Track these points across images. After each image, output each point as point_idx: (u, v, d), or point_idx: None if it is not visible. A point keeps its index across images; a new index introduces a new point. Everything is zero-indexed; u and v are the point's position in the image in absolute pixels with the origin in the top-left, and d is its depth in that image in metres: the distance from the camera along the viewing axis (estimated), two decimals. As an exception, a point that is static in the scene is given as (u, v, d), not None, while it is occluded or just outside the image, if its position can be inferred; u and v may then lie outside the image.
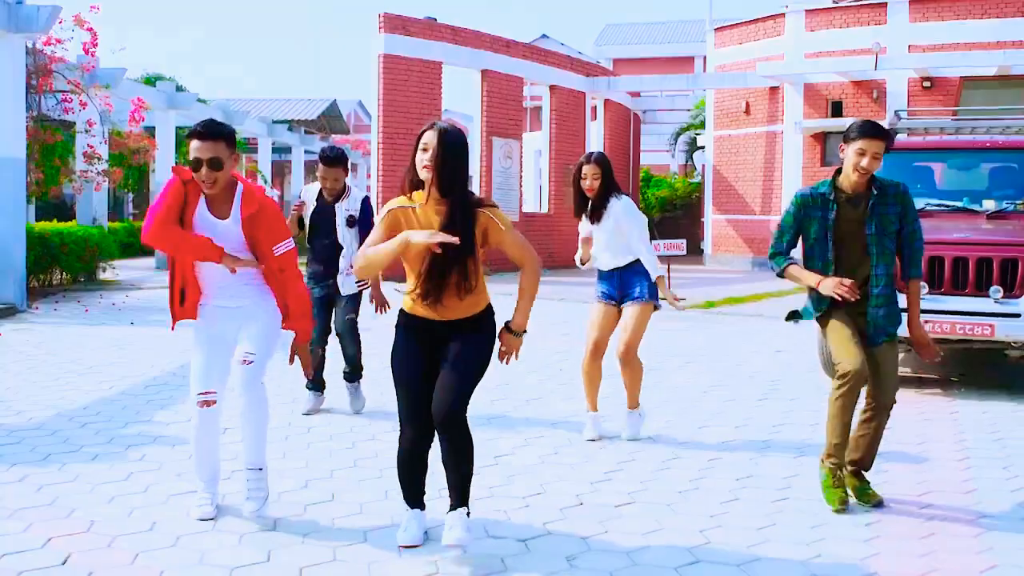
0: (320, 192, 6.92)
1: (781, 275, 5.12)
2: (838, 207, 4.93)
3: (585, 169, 6.17)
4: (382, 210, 4.20)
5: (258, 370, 4.58)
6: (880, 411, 4.96)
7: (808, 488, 5.27)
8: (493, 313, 4.30)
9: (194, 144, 4.39)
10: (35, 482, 5.18)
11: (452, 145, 4.04)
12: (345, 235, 6.86)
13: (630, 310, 6.22)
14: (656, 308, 6.31)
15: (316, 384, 7.08)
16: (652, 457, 5.92)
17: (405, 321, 4.28)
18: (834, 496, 4.91)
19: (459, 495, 4.16)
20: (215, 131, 4.42)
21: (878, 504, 4.95)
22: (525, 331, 4.24)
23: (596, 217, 6.21)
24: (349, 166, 7.11)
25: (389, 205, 4.18)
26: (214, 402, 4.55)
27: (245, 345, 4.59)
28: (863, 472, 5.09)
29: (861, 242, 4.92)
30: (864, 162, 4.80)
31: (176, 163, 23.98)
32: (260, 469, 4.73)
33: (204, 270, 4.59)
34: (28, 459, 5.65)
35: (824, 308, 5.03)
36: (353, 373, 7.12)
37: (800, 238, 5.09)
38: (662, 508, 4.92)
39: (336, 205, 6.86)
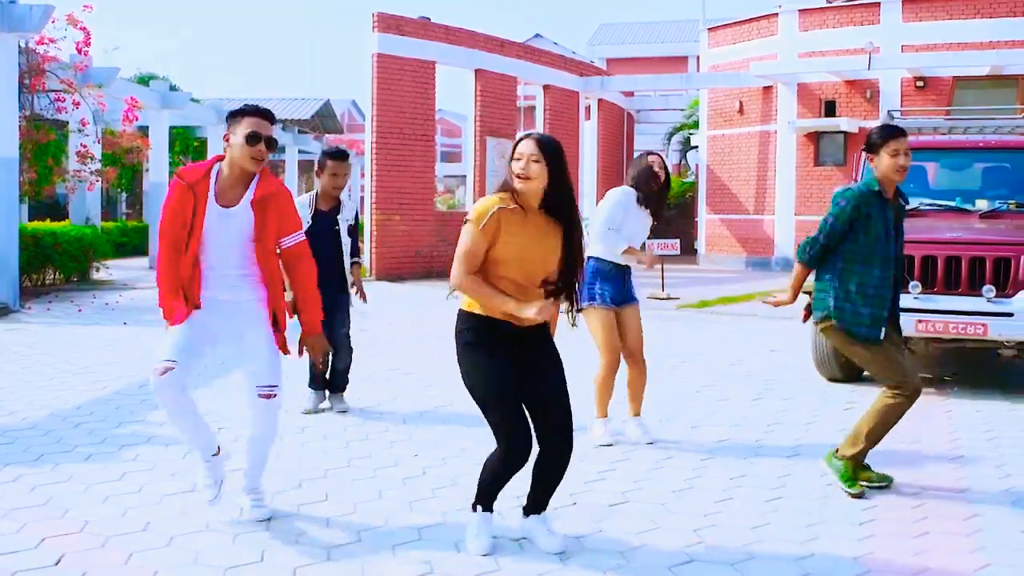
0: (316, 203, 6.84)
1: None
2: (869, 208, 5.06)
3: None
4: (478, 208, 4.04)
5: (279, 404, 4.54)
6: (912, 396, 5.13)
7: (802, 487, 5.28)
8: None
9: (254, 120, 4.42)
10: (29, 482, 5.17)
11: (554, 154, 4.03)
12: (346, 245, 6.92)
13: (633, 311, 6.32)
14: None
15: (319, 383, 7.04)
16: (646, 456, 5.92)
17: (486, 330, 4.10)
18: (858, 485, 5.16)
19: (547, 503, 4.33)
20: (270, 113, 4.53)
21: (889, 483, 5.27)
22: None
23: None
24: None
25: (487, 204, 4.03)
26: (172, 367, 4.28)
27: (260, 375, 4.47)
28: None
29: (884, 244, 5.10)
30: (902, 160, 4.98)
31: (170, 162, 23.99)
32: (259, 493, 4.71)
33: (211, 250, 4.42)
34: (21, 459, 5.64)
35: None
36: (341, 384, 7.09)
37: (842, 236, 5.11)
38: (656, 507, 4.93)
39: (339, 216, 6.86)
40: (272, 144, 4.45)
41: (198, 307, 4.43)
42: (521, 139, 4.06)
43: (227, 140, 4.47)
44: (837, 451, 5.26)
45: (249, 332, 4.49)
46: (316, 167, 6.91)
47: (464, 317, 4.14)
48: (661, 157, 6.35)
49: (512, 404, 4.05)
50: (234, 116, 4.49)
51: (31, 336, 10.74)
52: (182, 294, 4.46)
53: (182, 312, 4.43)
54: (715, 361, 9.71)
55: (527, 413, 4.10)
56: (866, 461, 5.28)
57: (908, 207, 8.55)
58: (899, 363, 5.10)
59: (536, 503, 4.29)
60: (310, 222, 6.66)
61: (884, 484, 5.25)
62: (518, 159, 4.01)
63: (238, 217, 4.42)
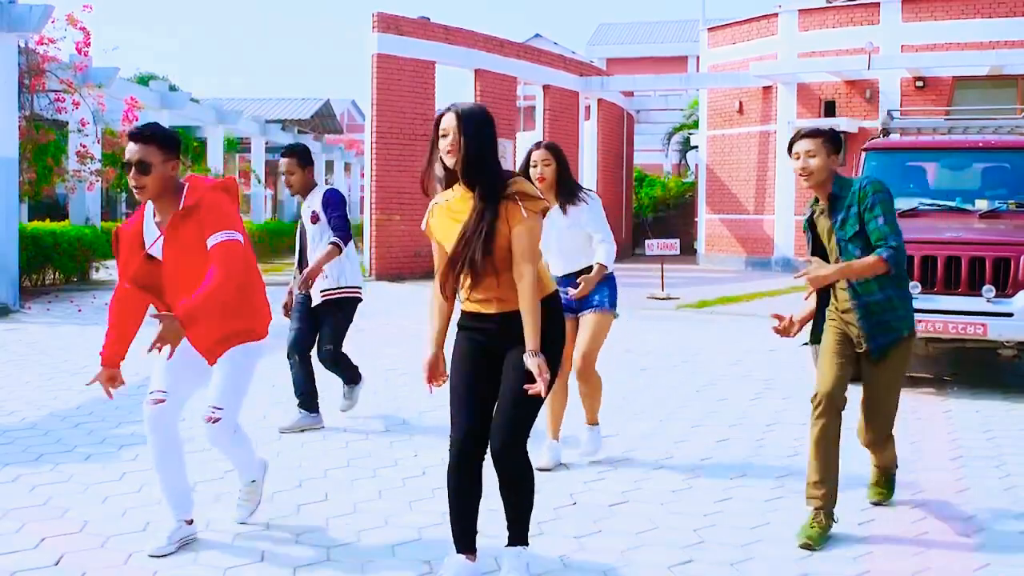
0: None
1: None
2: (817, 221, 4.73)
3: (535, 155, 5.48)
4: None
5: (224, 428, 4.25)
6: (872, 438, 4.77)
7: (802, 487, 5.27)
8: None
9: (128, 146, 4.16)
10: (28, 482, 5.17)
11: (473, 123, 3.67)
12: (314, 234, 6.43)
13: (589, 319, 5.54)
14: (616, 317, 5.67)
15: (306, 403, 6.56)
16: (645, 456, 5.92)
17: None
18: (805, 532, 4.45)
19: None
20: (146, 133, 4.13)
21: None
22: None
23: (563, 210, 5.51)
24: (310, 161, 6.50)
25: (432, 203, 3.87)
26: (163, 400, 4.20)
27: (210, 397, 4.26)
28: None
29: (833, 252, 4.63)
30: (799, 165, 4.60)
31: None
32: (253, 481, 4.59)
33: (174, 278, 4.22)
34: (21, 459, 5.64)
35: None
36: (352, 382, 6.83)
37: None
38: (656, 507, 4.93)
39: (304, 204, 6.49)
40: (143, 168, 4.09)
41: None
42: (441, 115, 3.75)
43: None
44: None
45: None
46: None
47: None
48: (543, 148, 5.53)
49: (464, 398, 3.79)
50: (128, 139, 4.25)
51: (31, 336, 10.73)
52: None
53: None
54: (714, 361, 9.70)
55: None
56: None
57: (908, 208, 8.64)
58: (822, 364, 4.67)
59: (509, 529, 3.85)
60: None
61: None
62: (444, 135, 3.70)
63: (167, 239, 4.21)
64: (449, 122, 3.69)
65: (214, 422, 4.23)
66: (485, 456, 3.78)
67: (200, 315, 3.93)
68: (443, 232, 3.78)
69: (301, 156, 6.44)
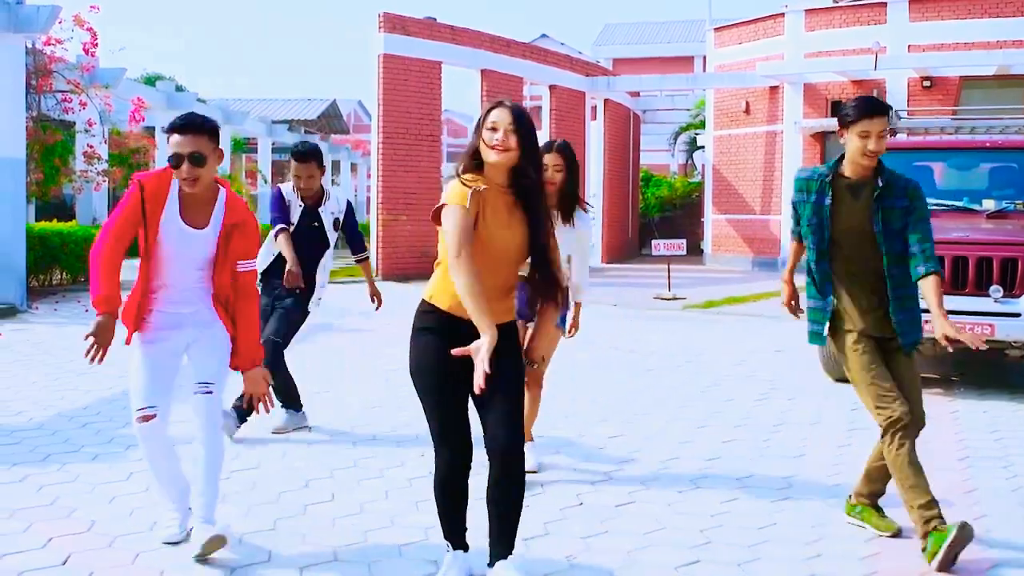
0: (300, 196, 6.35)
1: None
2: (834, 192, 4.44)
3: (547, 158, 5.19)
4: (453, 187, 3.61)
5: (217, 400, 4.24)
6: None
7: (808, 487, 5.27)
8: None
9: (174, 138, 4.00)
10: (35, 482, 5.18)
11: (529, 127, 3.62)
12: (332, 239, 6.43)
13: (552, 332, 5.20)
14: (562, 334, 5.43)
15: (289, 402, 6.43)
16: (651, 457, 5.92)
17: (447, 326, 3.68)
18: (888, 524, 4.56)
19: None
20: (197, 124, 4.03)
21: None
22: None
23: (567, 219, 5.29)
24: (323, 163, 6.40)
25: (462, 187, 3.59)
26: (154, 415, 4.18)
27: (200, 373, 4.23)
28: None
29: (868, 238, 4.40)
30: (872, 144, 4.29)
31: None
32: (212, 524, 4.21)
33: (170, 268, 4.19)
34: (28, 459, 5.65)
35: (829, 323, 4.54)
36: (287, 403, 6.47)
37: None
38: (662, 508, 4.92)
39: (320, 209, 6.35)
40: (198, 160, 4.00)
41: (140, 329, 4.26)
42: (492, 107, 3.66)
43: None
44: (851, 497, 4.75)
45: (205, 331, 4.27)
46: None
47: (424, 310, 3.71)
48: (556, 152, 5.31)
49: (457, 414, 3.68)
50: (168, 131, 4.09)
51: (38, 336, 10.76)
52: (132, 308, 4.25)
53: (129, 331, 4.27)
54: (720, 361, 9.69)
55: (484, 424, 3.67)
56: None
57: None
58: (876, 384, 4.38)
59: (502, 543, 3.70)
60: (297, 218, 6.29)
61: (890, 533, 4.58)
62: (492, 129, 3.60)
63: (205, 239, 4.17)
64: (502, 118, 3.60)
65: (208, 394, 4.21)
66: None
67: (258, 347, 4.33)
68: (489, 231, 3.60)
69: (320, 159, 6.36)
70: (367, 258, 6.77)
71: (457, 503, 3.80)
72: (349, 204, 6.60)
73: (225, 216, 4.17)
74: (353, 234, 6.63)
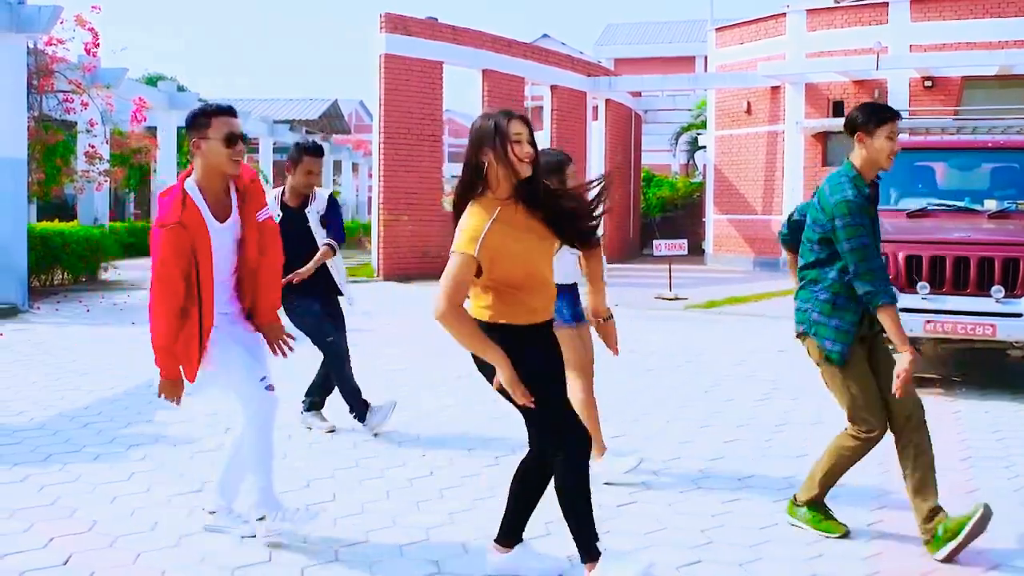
0: (282, 199, 6.38)
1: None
2: (869, 201, 4.37)
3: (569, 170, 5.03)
4: (468, 230, 3.54)
5: (277, 399, 4.35)
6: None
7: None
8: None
9: (228, 120, 4.16)
10: (36, 482, 5.18)
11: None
12: (320, 237, 6.37)
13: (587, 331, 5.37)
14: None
15: (359, 406, 6.47)
16: (653, 457, 5.91)
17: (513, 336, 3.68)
18: (837, 526, 4.55)
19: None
20: (235, 109, 4.33)
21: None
22: None
23: None
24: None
25: (478, 223, 3.52)
26: (274, 387, 4.30)
27: (262, 370, 4.34)
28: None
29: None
30: (896, 146, 4.34)
31: (179, 162, 24.02)
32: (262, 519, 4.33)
33: (217, 269, 4.22)
34: (29, 459, 5.65)
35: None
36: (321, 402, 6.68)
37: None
38: (663, 508, 4.92)
39: (307, 210, 6.36)
40: (246, 139, 4.32)
41: (206, 334, 4.22)
42: (507, 119, 3.53)
43: (197, 147, 4.16)
44: (796, 499, 4.68)
45: (242, 327, 4.38)
46: (288, 162, 6.41)
47: (505, 333, 3.64)
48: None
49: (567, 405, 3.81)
50: (200, 119, 4.17)
51: (39, 336, 10.76)
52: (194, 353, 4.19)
53: (194, 353, 4.19)
54: (722, 361, 9.69)
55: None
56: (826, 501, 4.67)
57: (917, 208, 8.62)
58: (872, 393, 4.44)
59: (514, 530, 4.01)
60: (280, 214, 6.23)
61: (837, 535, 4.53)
62: (517, 140, 3.50)
63: (234, 224, 4.27)
64: (523, 129, 3.53)
65: (274, 391, 4.32)
66: None
67: (278, 298, 4.46)
68: (518, 246, 3.57)
69: (323, 156, 6.47)
70: (331, 246, 6.38)
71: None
72: (331, 197, 6.56)
73: (236, 194, 4.31)
74: (331, 223, 6.45)
